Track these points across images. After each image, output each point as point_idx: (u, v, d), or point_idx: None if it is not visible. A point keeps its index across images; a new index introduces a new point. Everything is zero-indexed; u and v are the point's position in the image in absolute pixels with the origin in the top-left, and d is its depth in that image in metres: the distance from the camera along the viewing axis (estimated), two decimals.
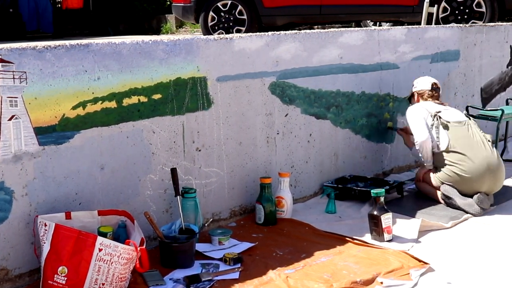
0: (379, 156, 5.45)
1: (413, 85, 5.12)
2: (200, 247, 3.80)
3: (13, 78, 3.21)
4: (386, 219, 3.98)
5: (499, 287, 3.41)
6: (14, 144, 3.25)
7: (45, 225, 3.15)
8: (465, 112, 4.99)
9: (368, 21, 10.36)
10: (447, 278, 3.47)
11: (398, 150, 5.54)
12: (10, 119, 3.23)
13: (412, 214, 4.45)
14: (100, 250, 3.10)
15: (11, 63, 3.21)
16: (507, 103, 6.51)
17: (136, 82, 3.73)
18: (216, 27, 9.32)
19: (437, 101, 4.94)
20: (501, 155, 5.92)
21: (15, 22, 12.11)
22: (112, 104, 3.63)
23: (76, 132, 3.49)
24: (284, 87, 4.58)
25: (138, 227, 3.44)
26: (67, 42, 3.49)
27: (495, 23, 7.16)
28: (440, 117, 4.73)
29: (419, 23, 7.80)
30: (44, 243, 3.15)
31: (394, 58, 5.42)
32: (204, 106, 4.11)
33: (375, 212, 4.00)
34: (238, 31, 9.11)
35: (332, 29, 5.01)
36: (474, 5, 8.58)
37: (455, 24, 6.57)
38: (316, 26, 10.75)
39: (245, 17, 9.23)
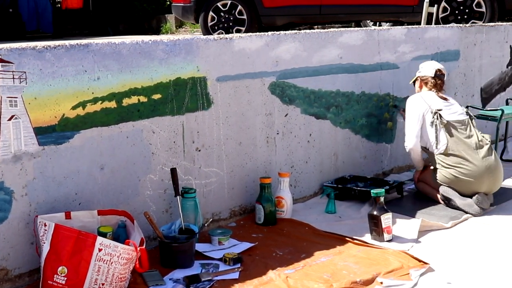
0: (379, 156, 5.45)
1: (418, 69, 5.02)
2: (200, 247, 3.80)
3: (13, 78, 3.21)
4: (386, 219, 3.98)
5: (499, 287, 3.41)
6: (14, 144, 3.25)
7: (45, 225, 3.15)
8: (466, 109, 4.91)
9: (368, 21, 10.36)
10: (447, 278, 3.47)
11: (398, 150, 5.53)
12: (9, 119, 3.22)
13: (412, 214, 4.45)
14: (100, 250, 3.10)
15: (11, 63, 3.20)
16: (507, 103, 6.51)
17: (136, 82, 3.73)
18: (216, 27, 9.32)
19: (440, 94, 4.82)
20: (501, 155, 5.93)
21: (15, 22, 12.11)
22: (112, 104, 3.63)
23: (76, 132, 3.49)
24: (284, 87, 4.58)
25: (138, 227, 3.44)
26: (66, 42, 3.49)
27: (495, 23, 7.16)
28: (440, 116, 4.70)
29: (419, 23, 7.80)
30: (44, 243, 3.14)
31: (394, 58, 5.42)
32: (204, 106, 4.11)
33: (375, 212, 4.00)
34: (238, 31, 9.11)
35: (332, 29, 5.01)
36: (474, 5, 8.58)
37: (455, 24, 6.57)
38: (316, 26, 10.75)
39: (245, 17, 9.23)
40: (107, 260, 3.11)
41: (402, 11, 8.97)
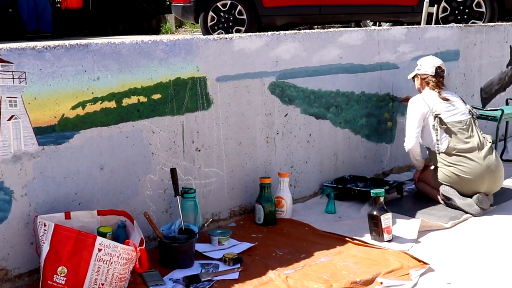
0: (378, 156, 5.45)
1: (417, 66, 4.98)
2: (199, 247, 3.80)
3: (13, 78, 3.20)
4: (386, 219, 3.98)
5: (499, 287, 3.41)
6: (14, 144, 3.25)
7: (45, 225, 3.15)
8: (469, 107, 4.88)
9: (368, 21, 10.36)
10: (447, 278, 3.47)
11: (398, 150, 5.53)
12: (9, 119, 3.22)
13: (411, 214, 4.45)
14: (99, 250, 3.10)
15: (11, 63, 3.20)
16: (507, 103, 6.51)
17: (135, 82, 3.73)
18: (216, 27, 9.32)
19: (442, 95, 4.78)
20: (501, 155, 5.93)
21: (15, 22, 12.11)
22: (112, 104, 3.63)
23: (75, 132, 3.49)
24: (283, 87, 4.58)
25: (137, 227, 3.44)
26: (66, 42, 3.49)
27: (495, 23, 7.15)
28: (441, 119, 4.68)
29: (419, 23, 7.80)
30: (44, 243, 3.14)
31: (393, 58, 5.41)
32: (204, 106, 4.11)
33: (375, 212, 4.00)
34: (238, 31, 9.11)
35: (331, 29, 5.01)
36: (474, 5, 8.58)
37: (455, 24, 6.57)
38: (315, 26, 10.75)
39: (244, 17, 9.23)
40: (107, 260, 3.11)
41: (402, 11, 8.97)
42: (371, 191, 4.09)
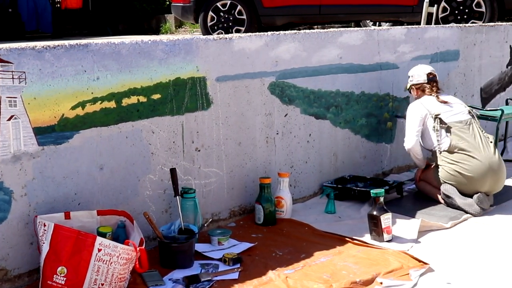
0: (378, 156, 5.45)
1: (409, 77, 5.05)
2: (199, 247, 3.80)
3: (12, 78, 3.20)
4: (386, 219, 3.98)
5: (499, 287, 3.41)
6: (13, 144, 3.25)
7: (44, 225, 3.15)
8: (469, 107, 4.91)
9: (368, 21, 10.36)
10: (447, 278, 3.47)
11: (397, 150, 5.53)
12: (9, 119, 3.22)
13: (411, 214, 4.44)
14: (99, 250, 3.10)
15: (10, 63, 3.20)
16: (506, 103, 6.50)
17: (135, 82, 3.72)
18: (216, 27, 9.32)
19: (440, 99, 4.82)
20: (501, 155, 5.92)
21: (14, 22, 12.11)
22: (111, 104, 3.63)
23: (75, 132, 3.49)
24: (283, 87, 4.58)
25: (137, 227, 3.43)
26: (66, 42, 3.49)
27: (495, 23, 7.15)
28: (440, 120, 4.71)
29: (419, 23, 7.80)
30: (43, 243, 3.14)
31: (393, 58, 5.41)
32: (204, 106, 4.11)
33: (375, 212, 4.00)
34: (238, 31, 9.11)
35: (331, 29, 5.01)
36: (473, 5, 8.58)
37: (455, 24, 6.57)
38: (315, 26, 10.75)
39: (244, 17, 9.23)
40: (107, 260, 3.11)
41: (402, 11, 8.97)
42: (371, 191, 4.09)
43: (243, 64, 4.31)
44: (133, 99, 3.73)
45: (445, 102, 4.82)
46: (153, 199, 3.91)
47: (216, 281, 3.41)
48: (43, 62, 3.31)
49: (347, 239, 4.01)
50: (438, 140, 4.70)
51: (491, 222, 4.36)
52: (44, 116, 3.35)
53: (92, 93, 3.53)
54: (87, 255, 3.10)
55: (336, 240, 4.01)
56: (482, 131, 4.77)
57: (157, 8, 13.46)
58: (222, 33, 8.77)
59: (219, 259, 3.67)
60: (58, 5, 13.51)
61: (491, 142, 4.70)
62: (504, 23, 6.87)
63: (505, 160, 5.77)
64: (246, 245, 3.89)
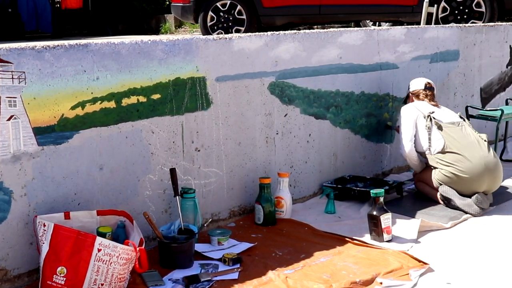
0: (378, 156, 5.45)
1: (408, 88, 5.15)
2: (199, 247, 3.80)
3: (12, 78, 3.20)
4: (386, 219, 3.98)
5: (499, 287, 3.42)
6: (13, 144, 3.25)
7: (44, 225, 3.15)
8: (459, 113, 4.97)
9: (368, 21, 10.36)
10: (447, 279, 3.47)
11: (397, 150, 5.52)
12: (9, 119, 3.22)
13: (411, 214, 4.44)
14: (99, 250, 3.10)
15: (10, 63, 3.20)
16: (506, 103, 6.50)
17: (135, 82, 3.72)
18: (215, 27, 9.32)
19: (432, 102, 4.95)
20: (501, 155, 5.93)
21: (14, 22, 12.12)
22: (111, 104, 3.63)
23: (75, 132, 3.49)
24: (283, 87, 4.57)
25: (137, 227, 3.43)
26: (66, 42, 3.49)
27: (495, 23, 7.15)
28: (433, 118, 4.74)
29: (419, 23, 7.80)
30: (43, 243, 3.14)
31: (393, 58, 5.41)
32: (203, 106, 4.11)
33: (375, 212, 4.00)
34: (237, 31, 9.11)
35: (331, 29, 5.01)
36: (473, 5, 8.58)
37: (455, 24, 6.57)
38: (315, 26, 10.75)
39: (244, 17, 9.23)
40: (106, 261, 3.11)
41: (402, 11, 8.97)
42: (371, 191, 4.08)
43: (243, 64, 4.31)
44: (133, 99, 3.73)
45: (436, 105, 4.92)
46: (152, 199, 3.91)
47: (216, 281, 3.40)
48: (42, 62, 3.31)
49: (347, 239, 4.01)
50: (429, 140, 4.71)
51: (490, 222, 4.36)
52: (44, 116, 3.35)
53: (92, 93, 3.53)
54: (87, 255, 3.10)
55: (336, 240, 4.01)
56: (475, 131, 4.78)
57: (156, 8, 13.47)
58: (222, 33, 8.77)
59: (219, 259, 3.67)
60: (58, 5, 13.51)
61: (485, 141, 4.70)
62: (504, 23, 6.87)
63: (505, 160, 5.80)
64: (246, 245, 3.89)
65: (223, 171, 4.29)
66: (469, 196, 4.54)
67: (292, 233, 4.16)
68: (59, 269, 3.11)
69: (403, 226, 4.19)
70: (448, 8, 8.62)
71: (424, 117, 4.77)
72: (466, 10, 8.61)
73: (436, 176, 4.68)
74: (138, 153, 3.80)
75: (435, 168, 4.70)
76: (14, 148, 3.26)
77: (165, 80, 3.87)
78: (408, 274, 3.49)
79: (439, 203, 4.68)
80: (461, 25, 6.29)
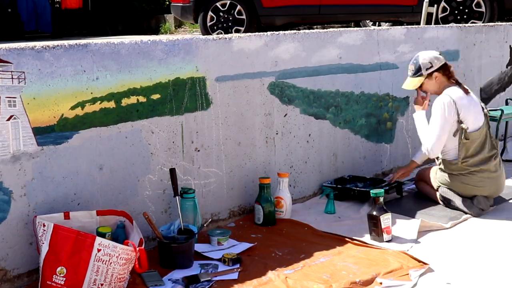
0: (378, 156, 5.45)
1: (420, 68, 4.56)
2: (199, 247, 3.80)
3: (12, 78, 3.20)
4: (386, 219, 3.97)
5: (499, 287, 3.42)
6: (13, 144, 3.25)
7: (44, 226, 3.15)
8: (482, 104, 4.65)
9: (368, 21, 10.36)
10: (447, 279, 3.47)
11: (397, 150, 5.53)
12: (8, 119, 3.22)
13: (411, 215, 4.44)
14: (99, 250, 3.10)
15: (10, 63, 3.20)
16: (506, 103, 6.51)
17: (134, 82, 3.72)
18: (215, 27, 9.32)
19: (463, 86, 4.53)
20: (501, 155, 5.92)
21: (14, 22, 12.12)
22: (111, 104, 3.63)
23: (74, 132, 3.49)
24: (283, 87, 4.57)
25: (137, 228, 3.43)
26: (65, 42, 3.49)
27: (495, 23, 7.15)
28: (465, 131, 4.41)
29: (419, 23, 7.81)
30: (43, 243, 3.14)
31: (393, 58, 5.41)
32: (203, 106, 4.10)
33: (374, 213, 3.99)
34: (237, 31, 9.11)
35: (331, 29, 5.01)
36: (473, 5, 8.58)
37: (455, 24, 6.57)
38: (315, 26, 10.75)
39: (244, 17, 9.23)
40: (106, 261, 3.11)
41: (402, 11, 8.98)
42: (371, 191, 4.08)
43: (243, 64, 4.30)
44: (133, 99, 3.73)
45: (466, 91, 4.51)
46: (152, 199, 3.91)
47: (216, 281, 3.40)
48: (42, 62, 3.31)
49: (347, 239, 4.01)
50: (455, 146, 4.47)
51: (491, 222, 4.36)
52: (44, 116, 3.35)
53: (91, 93, 3.53)
54: (87, 255, 3.10)
55: (335, 240, 4.00)
56: (492, 136, 4.59)
57: (156, 8, 13.47)
58: (221, 33, 8.77)
59: (219, 259, 3.67)
60: (58, 5, 13.51)
61: (496, 149, 4.56)
62: (504, 23, 6.87)
63: (505, 160, 5.80)
64: (245, 245, 3.89)
65: (222, 171, 4.28)
66: (469, 197, 4.53)
67: (292, 233, 4.15)
68: (58, 269, 3.10)
69: (403, 226, 4.19)
70: (448, 8, 8.62)
71: (458, 122, 4.44)
72: (466, 10, 8.61)
73: (438, 179, 4.65)
74: (138, 153, 3.80)
75: (441, 169, 4.61)
76: (14, 148, 3.25)
77: (164, 80, 3.87)
78: (408, 274, 3.49)
79: (439, 203, 4.67)
80: (461, 25, 6.29)
